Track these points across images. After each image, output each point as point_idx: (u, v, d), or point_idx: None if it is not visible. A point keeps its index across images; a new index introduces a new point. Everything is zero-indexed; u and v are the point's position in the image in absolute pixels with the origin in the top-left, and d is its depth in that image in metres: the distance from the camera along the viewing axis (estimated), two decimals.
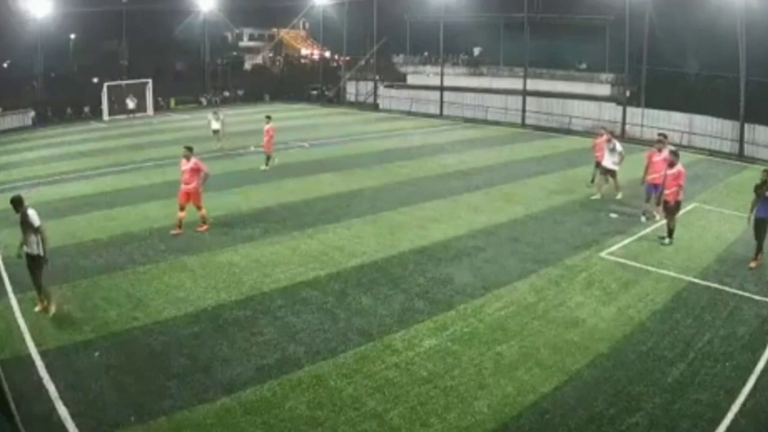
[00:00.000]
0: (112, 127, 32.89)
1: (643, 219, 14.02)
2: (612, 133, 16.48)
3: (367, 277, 10.42)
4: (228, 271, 10.70)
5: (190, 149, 13.01)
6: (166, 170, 19.66)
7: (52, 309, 8.86)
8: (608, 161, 16.02)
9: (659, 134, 15.34)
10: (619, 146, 16.04)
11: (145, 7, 40.58)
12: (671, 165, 12.70)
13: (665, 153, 13.89)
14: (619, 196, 15.93)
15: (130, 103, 38.19)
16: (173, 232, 12.72)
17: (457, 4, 37.04)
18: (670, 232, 12.45)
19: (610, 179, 16.17)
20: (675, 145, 26.52)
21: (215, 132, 24.77)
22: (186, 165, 12.81)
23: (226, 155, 22.92)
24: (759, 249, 11.24)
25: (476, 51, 41.72)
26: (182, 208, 12.80)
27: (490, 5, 36.91)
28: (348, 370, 7.39)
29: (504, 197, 16.26)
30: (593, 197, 16.05)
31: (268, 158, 20.05)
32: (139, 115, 37.92)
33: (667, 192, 12.51)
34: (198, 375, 7.26)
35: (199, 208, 12.99)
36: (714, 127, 26.51)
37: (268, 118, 20.22)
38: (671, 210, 12.43)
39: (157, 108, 40.20)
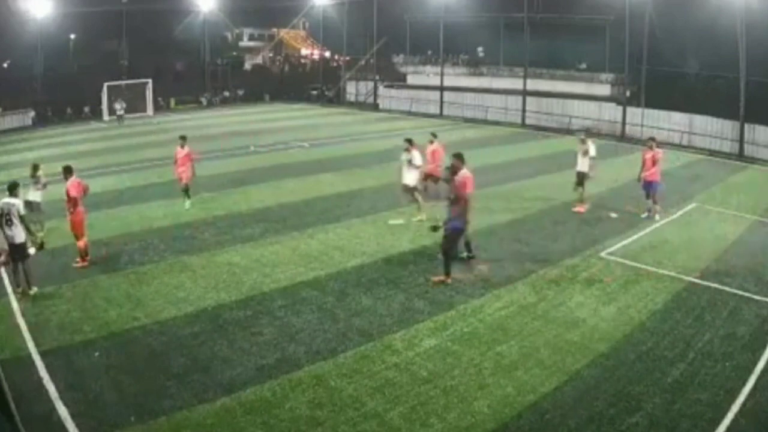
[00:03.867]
0: (112, 127, 32.89)
1: (644, 216, 14.21)
2: (434, 137, 14.30)
3: (367, 277, 10.42)
4: (228, 271, 10.70)
5: (68, 169, 11.01)
6: (165, 170, 19.66)
7: (33, 290, 9.57)
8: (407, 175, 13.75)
9: (590, 129, 16.55)
10: (417, 159, 13.57)
11: (145, 7, 40.59)
12: (454, 172, 10.05)
13: (656, 149, 14.22)
14: (422, 216, 13.53)
15: (118, 107, 34.70)
16: (75, 265, 10.88)
17: (457, 4, 37.05)
18: (468, 246, 11.06)
19: (416, 195, 13.79)
20: (675, 144, 26.82)
21: (30, 206, 12.22)
22: (67, 185, 10.91)
23: (231, 155, 22.92)
24: (446, 270, 9.90)
25: (480, 51, 41.57)
26: (77, 237, 10.95)
27: (490, 5, 36.91)
28: (348, 370, 7.39)
29: (504, 197, 16.25)
30: (414, 219, 13.64)
31: (187, 190, 14.97)
32: (129, 116, 35.28)
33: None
34: (198, 375, 7.26)
35: (77, 237, 10.84)
36: (714, 127, 26.52)
37: (183, 138, 15.23)
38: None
39: (157, 108, 40.18)
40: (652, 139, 15.02)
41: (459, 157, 10.13)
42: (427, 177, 14.31)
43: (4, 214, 9.34)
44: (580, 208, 14.77)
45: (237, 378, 7.19)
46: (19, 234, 9.41)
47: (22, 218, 9.51)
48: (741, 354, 7.92)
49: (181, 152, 14.96)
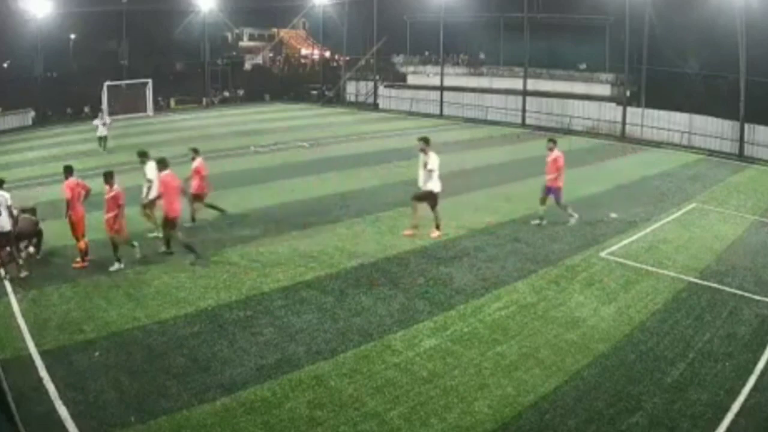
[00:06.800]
0: (111, 127, 32.82)
1: (537, 222, 13.56)
2: (195, 152, 13.53)
3: (367, 277, 10.42)
4: (228, 271, 10.69)
5: (67, 169, 11.22)
6: None
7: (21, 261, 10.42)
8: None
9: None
10: (149, 173, 12.26)
11: (145, 7, 40.51)
12: (160, 171, 11.27)
13: (555, 153, 13.38)
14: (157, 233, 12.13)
15: (98, 123, 25.34)
16: (75, 265, 10.88)
17: (457, 4, 37.05)
18: (167, 243, 11.44)
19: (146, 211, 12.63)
20: (675, 144, 26.84)
21: None
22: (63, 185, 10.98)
23: (231, 155, 22.92)
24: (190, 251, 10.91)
25: (481, 55, 41.47)
26: (77, 238, 10.98)
27: (490, 5, 36.89)
28: (348, 370, 7.39)
29: (504, 197, 16.25)
30: (151, 235, 12.46)
31: (116, 247, 10.97)
32: (127, 116, 34.55)
33: (165, 203, 11.13)
34: (198, 375, 7.26)
35: (77, 238, 10.88)
36: (714, 127, 26.52)
37: (109, 176, 11.03)
38: (169, 224, 11.13)
39: (157, 108, 40.15)
40: (551, 140, 13.90)
41: (162, 162, 11.45)
42: (195, 197, 13.19)
43: None
44: (436, 234, 12.59)
45: (237, 378, 7.19)
46: (6, 224, 10.25)
47: (10, 210, 10.40)
48: (741, 354, 7.92)
49: (109, 192, 10.98)
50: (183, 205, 11.82)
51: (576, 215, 13.66)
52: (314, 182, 18.04)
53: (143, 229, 12.49)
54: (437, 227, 12.69)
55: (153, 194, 12.24)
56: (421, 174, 12.40)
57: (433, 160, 12.20)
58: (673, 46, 28.09)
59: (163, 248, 11.59)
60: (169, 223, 11.19)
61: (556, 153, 13.38)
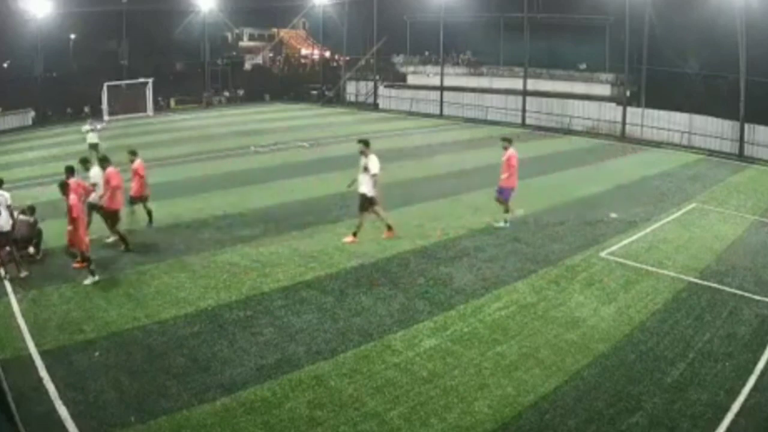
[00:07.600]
0: (112, 127, 32.85)
1: (501, 224, 13.46)
2: (133, 153, 13.19)
3: (367, 277, 10.42)
4: (228, 271, 10.69)
5: (68, 169, 11.30)
6: (165, 171, 19.66)
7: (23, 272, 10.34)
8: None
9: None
10: (95, 177, 12.04)
11: (145, 7, 40.52)
12: (105, 168, 11.82)
13: (509, 152, 13.34)
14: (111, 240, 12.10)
15: (87, 128, 22.03)
16: (75, 265, 10.59)
17: (457, 4, 37.06)
18: (124, 241, 11.75)
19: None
20: (675, 144, 26.85)
21: None
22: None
23: (232, 155, 22.94)
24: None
25: (468, 54, 41.51)
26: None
27: (490, 5, 36.90)
28: (348, 370, 7.39)
29: None
30: (109, 240, 12.17)
31: (89, 261, 10.31)
32: (126, 117, 35.20)
33: (109, 197, 11.61)
34: (198, 375, 7.26)
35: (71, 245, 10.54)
36: (714, 127, 26.53)
37: (64, 186, 10.51)
38: (113, 215, 11.71)
39: (157, 108, 40.16)
40: (505, 139, 13.65)
41: (105, 159, 12.13)
42: (134, 200, 13.10)
43: None
44: (350, 239, 12.19)
45: (237, 378, 7.19)
46: (5, 224, 10.41)
47: (10, 210, 10.62)
48: (741, 354, 7.92)
49: (79, 200, 10.45)
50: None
51: (507, 225, 13.36)
52: (314, 182, 18.03)
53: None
54: (355, 234, 12.23)
55: (103, 196, 11.84)
56: (360, 177, 11.90)
57: (374, 163, 11.76)
58: (673, 46, 28.10)
59: (122, 247, 11.76)
60: (113, 215, 11.78)
61: (510, 152, 13.38)
